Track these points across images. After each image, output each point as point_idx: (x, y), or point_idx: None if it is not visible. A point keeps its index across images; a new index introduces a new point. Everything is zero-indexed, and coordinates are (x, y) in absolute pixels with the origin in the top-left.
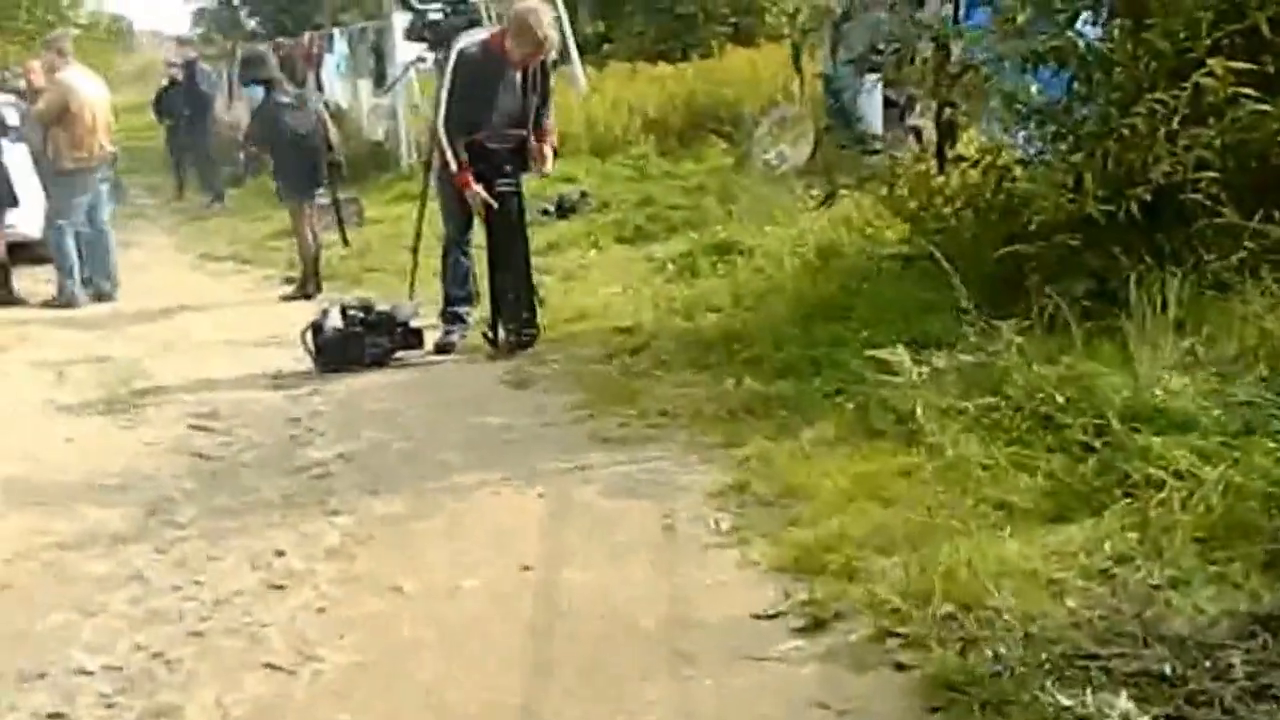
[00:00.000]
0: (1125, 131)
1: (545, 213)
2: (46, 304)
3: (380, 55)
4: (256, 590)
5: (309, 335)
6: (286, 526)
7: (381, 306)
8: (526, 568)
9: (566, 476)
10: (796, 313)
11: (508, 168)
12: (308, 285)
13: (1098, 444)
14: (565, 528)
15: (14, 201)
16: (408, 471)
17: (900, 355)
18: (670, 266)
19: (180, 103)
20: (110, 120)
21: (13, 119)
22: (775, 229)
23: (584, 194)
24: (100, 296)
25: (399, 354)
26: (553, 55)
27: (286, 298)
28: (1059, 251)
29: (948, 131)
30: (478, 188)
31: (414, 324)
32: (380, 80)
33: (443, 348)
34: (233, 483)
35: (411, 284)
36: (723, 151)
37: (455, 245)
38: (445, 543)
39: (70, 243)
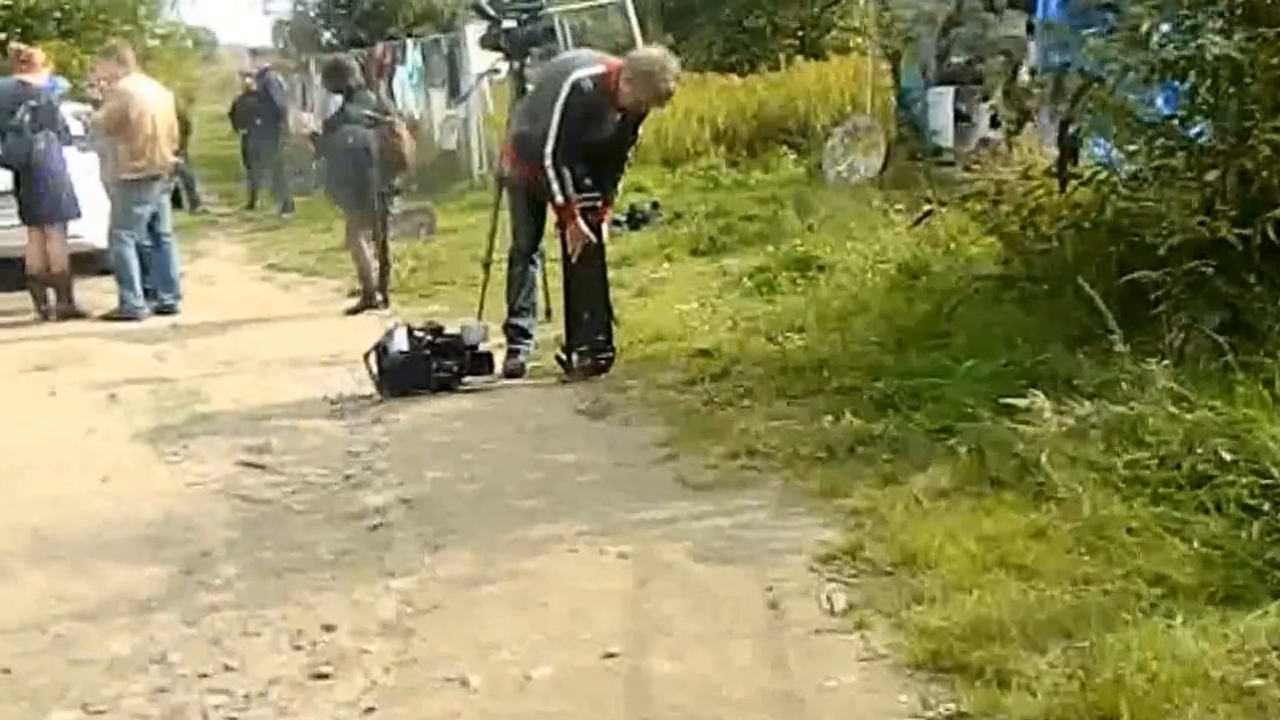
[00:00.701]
0: (1265, 148)
1: (616, 224)
2: (107, 317)
3: (454, 66)
4: (297, 679)
5: (373, 358)
6: (337, 591)
7: (450, 329)
8: (609, 654)
9: (651, 532)
10: (887, 337)
11: (588, 181)
12: (373, 298)
13: (1265, 505)
14: (652, 601)
15: (78, 212)
16: (474, 521)
17: (1040, 404)
18: (747, 281)
19: (253, 112)
20: (174, 126)
21: (78, 129)
22: (855, 244)
23: (655, 204)
24: (163, 309)
25: (467, 379)
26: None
27: (351, 311)
28: (1187, 278)
29: (1070, 148)
30: (584, 227)
31: (483, 348)
32: (455, 91)
33: (512, 372)
34: (280, 534)
35: (481, 302)
36: (793, 162)
37: (524, 255)
38: (516, 615)
39: (132, 254)
